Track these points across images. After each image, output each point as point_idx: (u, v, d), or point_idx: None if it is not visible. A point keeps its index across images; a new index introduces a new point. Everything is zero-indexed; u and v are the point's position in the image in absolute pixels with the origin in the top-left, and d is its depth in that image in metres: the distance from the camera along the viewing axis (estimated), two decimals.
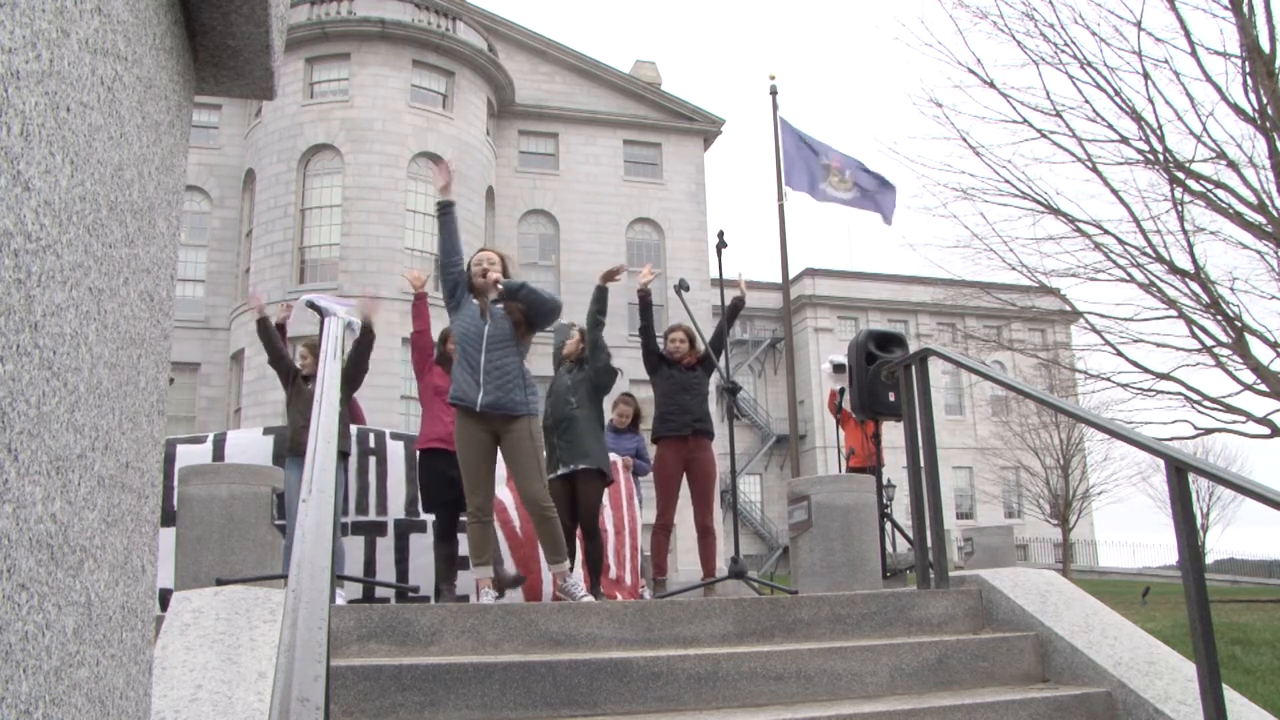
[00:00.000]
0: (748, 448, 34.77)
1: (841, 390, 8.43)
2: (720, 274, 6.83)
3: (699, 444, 6.25)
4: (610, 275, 5.67)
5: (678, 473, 6.27)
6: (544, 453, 4.99)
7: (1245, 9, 11.10)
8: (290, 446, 6.21)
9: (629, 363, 12.56)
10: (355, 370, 6.33)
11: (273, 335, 6.48)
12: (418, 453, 5.94)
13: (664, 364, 6.40)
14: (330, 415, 1.94)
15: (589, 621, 3.47)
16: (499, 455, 4.89)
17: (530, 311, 4.84)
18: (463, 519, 5.86)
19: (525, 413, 4.77)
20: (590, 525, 5.65)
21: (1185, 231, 11.93)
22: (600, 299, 5.73)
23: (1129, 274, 12.35)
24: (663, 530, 6.37)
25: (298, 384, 6.37)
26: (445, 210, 4.94)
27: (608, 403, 6.12)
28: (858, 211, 16.61)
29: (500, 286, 4.79)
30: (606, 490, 6.34)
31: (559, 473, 5.59)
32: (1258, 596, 14.03)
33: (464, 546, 5.95)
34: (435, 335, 6.09)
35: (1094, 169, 12.23)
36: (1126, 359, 12.78)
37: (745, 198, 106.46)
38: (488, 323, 4.80)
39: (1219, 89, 11.44)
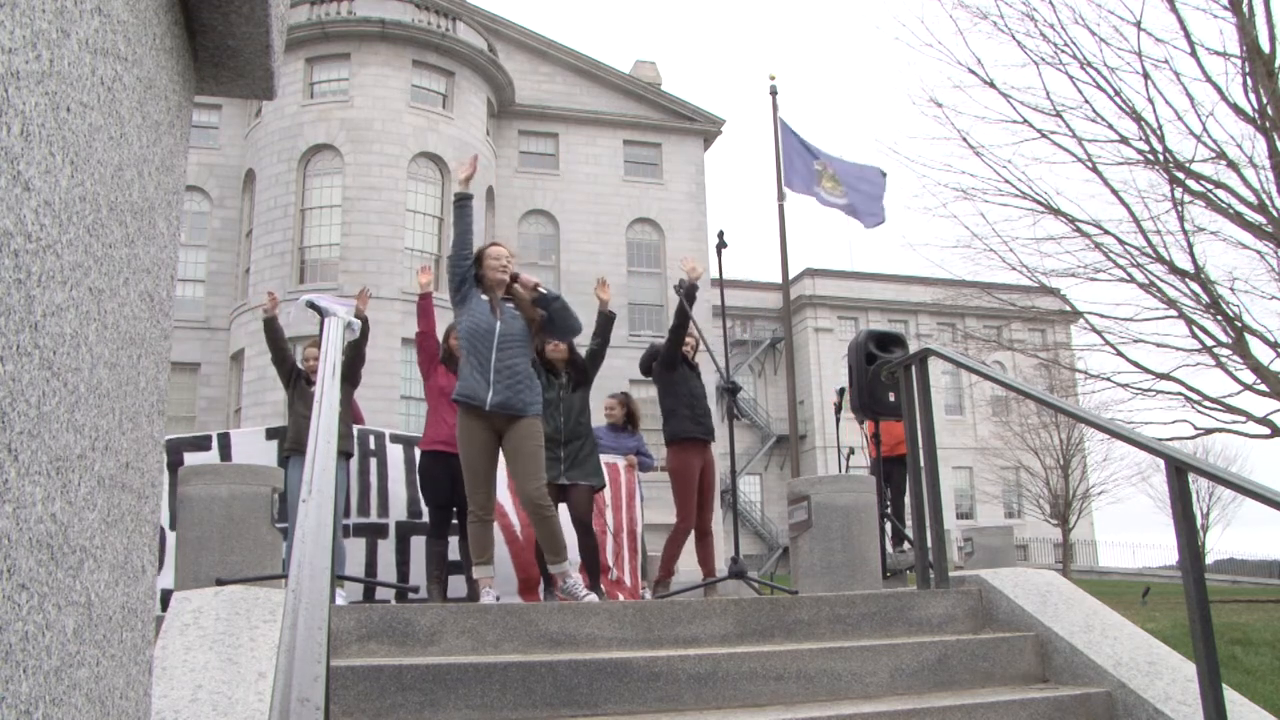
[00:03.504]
0: (748, 448, 34.77)
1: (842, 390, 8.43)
2: (720, 274, 6.78)
3: (709, 448, 6.23)
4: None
5: (698, 475, 6.22)
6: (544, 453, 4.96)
7: (1245, 9, 11.11)
8: (292, 445, 6.17)
9: (627, 363, 12.52)
10: (352, 364, 6.28)
11: (279, 334, 6.47)
12: (419, 452, 5.88)
13: (684, 363, 6.32)
14: (330, 415, 1.94)
15: (589, 622, 3.47)
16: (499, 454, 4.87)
17: (554, 324, 4.86)
18: (456, 522, 5.88)
19: (533, 413, 4.75)
20: (585, 524, 5.65)
21: (1185, 231, 11.95)
22: (606, 329, 5.77)
23: (1129, 274, 12.37)
24: (686, 534, 6.26)
25: (300, 384, 6.34)
26: (463, 202, 4.89)
27: (594, 401, 6.05)
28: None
29: (542, 290, 4.81)
30: (609, 490, 6.56)
31: (559, 482, 5.54)
32: (1258, 596, 14.02)
33: (457, 550, 5.96)
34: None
35: (1094, 169, 12.24)
36: (1126, 359, 12.80)
37: (745, 198, 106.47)
38: (499, 320, 4.72)
39: (1219, 89, 11.46)
